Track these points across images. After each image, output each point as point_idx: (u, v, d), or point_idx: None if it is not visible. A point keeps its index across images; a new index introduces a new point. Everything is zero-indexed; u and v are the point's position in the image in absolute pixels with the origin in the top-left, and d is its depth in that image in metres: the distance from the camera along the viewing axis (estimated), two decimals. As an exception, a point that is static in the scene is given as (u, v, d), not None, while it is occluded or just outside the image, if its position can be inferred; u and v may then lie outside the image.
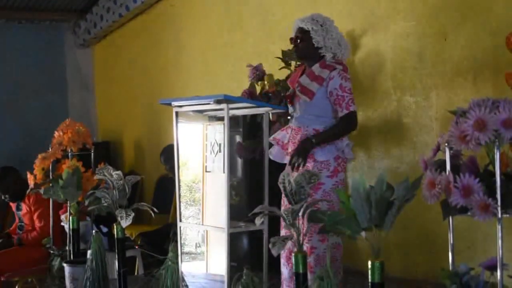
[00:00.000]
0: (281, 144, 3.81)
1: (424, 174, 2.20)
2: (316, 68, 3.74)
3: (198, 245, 4.01)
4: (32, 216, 5.68)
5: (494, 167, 2.05)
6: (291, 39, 3.84)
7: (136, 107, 8.06)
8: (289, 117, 3.88)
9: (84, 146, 4.74)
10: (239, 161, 4.87)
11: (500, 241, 2.05)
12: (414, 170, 3.49)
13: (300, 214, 2.79)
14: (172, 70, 7.25)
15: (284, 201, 3.68)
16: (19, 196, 5.74)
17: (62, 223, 5.06)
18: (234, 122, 4.62)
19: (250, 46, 5.91)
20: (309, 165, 3.66)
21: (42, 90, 8.80)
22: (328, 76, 3.69)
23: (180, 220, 3.74)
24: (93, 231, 4.38)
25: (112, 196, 3.89)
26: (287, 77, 4.75)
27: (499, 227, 2.04)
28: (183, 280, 3.71)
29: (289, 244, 3.03)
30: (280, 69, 4.93)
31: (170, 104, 3.76)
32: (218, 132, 3.72)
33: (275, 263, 3.77)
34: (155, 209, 3.95)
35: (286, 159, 3.77)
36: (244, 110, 3.80)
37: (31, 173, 4.67)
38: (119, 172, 3.93)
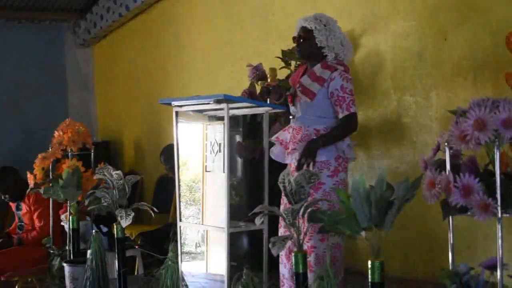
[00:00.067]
0: (284, 144, 3.81)
1: (424, 174, 2.20)
2: (317, 68, 3.73)
3: (198, 244, 4.01)
4: (32, 216, 5.68)
5: (494, 167, 2.05)
6: (293, 38, 3.83)
7: (136, 107, 8.06)
8: (290, 117, 3.88)
9: (84, 146, 4.74)
10: (239, 161, 4.87)
11: (500, 241, 2.05)
12: (414, 170, 3.49)
13: (300, 214, 2.79)
14: (172, 70, 7.25)
15: (284, 200, 3.69)
16: (19, 196, 5.74)
17: (62, 223, 5.06)
18: (234, 122, 4.62)
19: (250, 46, 5.91)
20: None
21: (42, 90, 8.79)
22: (329, 77, 3.69)
23: (180, 220, 3.74)
24: (93, 230, 4.38)
25: (112, 196, 3.89)
26: (287, 77, 4.75)
27: (499, 226, 2.04)
28: (183, 280, 3.71)
29: (289, 243, 3.03)
30: (280, 68, 4.93)
31: (170, 104, 3.76)
32: (218, 132, 3.71)
33: (275, 263, 3.77)
34: (155, 209, 3.96)
35: (288, 159, 3.77)
36: (244, 110, 3.80)
37: (31, 172, 4.67)
38: (119, 171, 3.93)
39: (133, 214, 3.82)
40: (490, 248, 3.09)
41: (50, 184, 4.60)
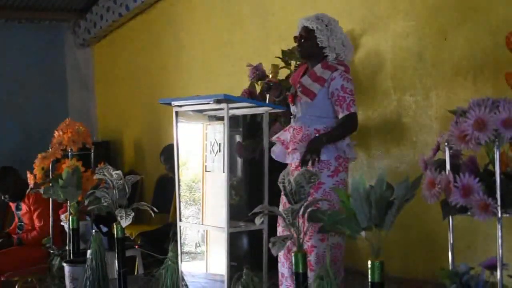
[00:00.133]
0: (285, 144, 3.81)
1: (424, 174, 2.20)
2: (318, 68, 3.73)
3: (198, 244, 4.01)
4: (31, 216, 5.69)
5: (494, 167, 2.05)
6: (295, 37, 3.83)
7: (136, 106, 8.06)
8: (292, 116, 3.87)
9: (84, 145, 4.74)
10: (239, 160, 4.86)
11: (500, 241, 2.05)
12: (414, 169, 3.49)
13: (300, 213, 2.79)
14: (172, 70, 7.25)
15: (283, 200, 3.69)
16: (19, 196, 5.74)
17: (62, 223, 5.06)
18: (234, 122, 4.62)
19: (250, 46, 5.91)
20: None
21: (42, 90, 8.79)
22: (330, 77, 3.69)
23: (180, 220, 3.74)
24: (93, 230, 4.38)
25: (112, 196, 3.89)
26: (287, 77, 4.75)
27: (499, 226, 2.04)
28: (183, 279, 3.71)
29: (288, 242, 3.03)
30: (280, 68, 4.93)
31: (170, 104, 3.76)
32: (218, 132, 3.71)
33: (275, 262, 3.77)
34: (155, 209, 3.96)
35: (288, 159, 3.77)
36: (244, 109, 3.80)
37: (31, 172, 4.67)
38: (119, 171, 3.93)
39: (133, 214, 3.82)
40: (490, 248, 3.09)
41: (50, 184, 4.60)
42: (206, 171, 3.86)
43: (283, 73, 4.93)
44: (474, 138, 2.03)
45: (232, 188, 4.60)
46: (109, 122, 8.83)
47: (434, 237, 4.18)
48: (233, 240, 3.62)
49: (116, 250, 3.94)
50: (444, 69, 4.20)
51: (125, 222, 3.79)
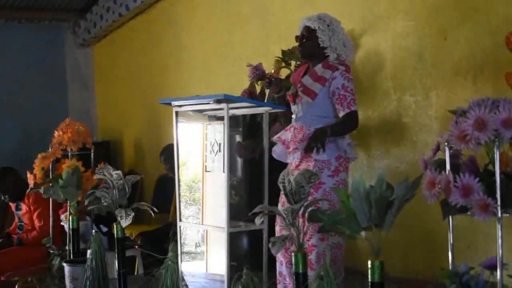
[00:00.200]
0: (286, 144, 3.81)
1: (424, 174, 2.20)
2: (318, 68, 3.74)
3: (198, 244, 4.01)
4: (31, 216, 5.69)
5: (494, 167, 2.05)
6: (296, 37, 3.83)
7: (136, 106, 8.06)
8: (293, 116, 3.87)
9: (84, 145, 4.74)
10: (239, 160, 4.86)
11: (500, 241, 2.05)
12: (414, 169, 3.49)
13: (300, 213, 2.79)
14: (172, 70, 7.25)
15: (282, 199, 3.69)
16: (19, 196, 5.74)
17: (62, 223, 5.06)
18: (234, 122, 4.62)
19: (250, 46, 5.91)
20: (310, 164, 3.66)
21: (42, 90, 8.79)
22: (331, 76, 3.70)
23: (180, 220, 3.74)
24: (93, 230, 4.38)
25: (112, 196, 3.89)
26: (287, 77, 4.75)
27: (499, 226, 2.04)
28: (183, 279, 3.71)
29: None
30: (281, 68, 4.93)
31: (170, 104, 3.76)
32: (218, 132, 3.71)
33: (275, 262, 3.77)
34: (155, 209, 3.96)
35: (289, 159, 3.78)
36: (244, 109, 3.80)
37: (31, 172, 4.67)
38: (119, 171, 3.93)
39: (133, 214, 3.82)
40: (490, 248, 3.09)
41: (50, 184, 4.60)
42: (206, 171, 3.86)
43: (283, 73, 4.92)
44: (474, 138, 2.03)
45: (232, 188, 4.59)
46: (109, 122, 8.83)
47: (434, 237, 4.18)
48: (233, 240, 3.62)
49: (116, 250, 3.94)
50: (444, 69, 4.20)
51: (125, 222, 3.79)
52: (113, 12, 7.80)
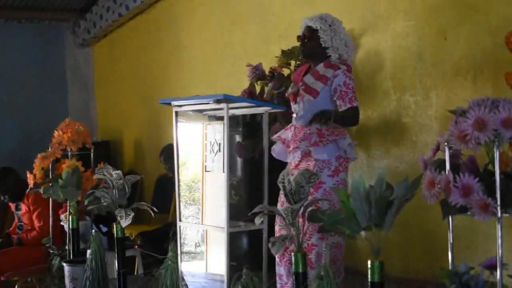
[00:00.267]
0: (286, 143, 3.81)
1: (424, 174, 2.20)
2: (320, 67, 3.75)
3: (197, 244, 4.01)
4: (31, 216, 5.69)
5: (493, 167, 2.05)
6: (298, 37, 3.84)
7: (136, 106, 8.06)
8: (294, 115, 3.87)
9: (83, 145, 4.74)
10: (239, 160, 4.86)
11: (499, 241, 2.05)
12: (414, 169, 3.49)
13: (300, 213, 2.79)
14: (172, 70, 7.25)
15: (281, 199, 3.69)
16: (19, 196, 5.74)
17: (61, 223, 5.06)
18: (234, 122, 4.62)
19: (250, 46, 5.91)
20: (310, 163, 3.66)
21: (42, 90, 8.79)
22: (333, 74, 3.71)
23: (180, 220, 3.74)
24: (93, 230, 4.38)
25: (111, 196, 3.89)
26: (287, 77, 4.75)
27: (498, 226, 2.04)
28: (183, 279, 3.71)
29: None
30: (285, 64, 4.92)
31: (169, 104, 3.76)
32: (217, 132, 3.71)
33: (274, 262, 3.77)
34: (154, 209, 3.96)
35: (289, 158, 3.78)
36: (244, 109, 3.80)
37: (31, 172, 4.67)
38: (118, 171, 3.93)
39: (132, 214, 3.82)
40: (490, 248, 3.09)
41: (50, 184, 4.60)
42: (206, 171, 3.86)
43: (285, 71, 4.91)
44: (474, 138, 2.03)
45: (232, 188, 4.59)
46: (109, 122, 8.83)
47: (434, 237, 4.18)
48: (232, 240, 3.62)
49: (116, 250, 3.94)
50: (444, 69, 4.20)
51: (125, 222, 3.79)
52: (113, 12, 7.80)
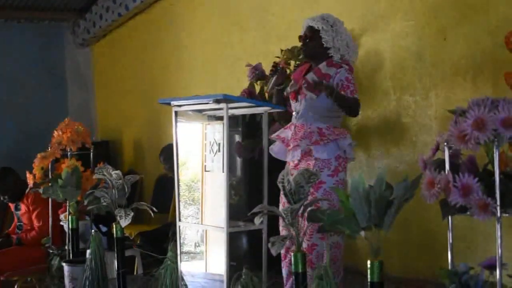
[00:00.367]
0: (286, 142, 3.81)
1: (423, 174, 2.20)
2: (323, 66, 3.76)
3: (197, 244, 4.01)
4: (30, 216, 5.68)
5: (493, 167, 2.05)
6: (300, 37, 3.84)
7: (136, 106, 8.05)
8: (294, 113, 3.86)
9: (83, 145, 4.74)
10: (239, 160, 4.86)
11: (499, 241, 2.05)
12: (414, 169, 3.50)
13: (300, 213, 2.79)
14: (172, 70, 7.25)
15: (282, 199, 3.69)
16: (18, 196, 5.73)
17: (61, 223, 5.06)
18: (234, 122, 4.62)
19: (249, 46, 5.91)
20: (310, 163, 3.66)
21: (42, 90, 8.78)
22: (335, 72, 3.72)
23: (179, 220, 3.74)
24: (92, 230, 4.38)
25: (111, 196, 3.89)
26: (288, 77, 4.74)
27: (498, 226, 2.04)
28: (182, 279, 3.71)
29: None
30: (289, 60, 4.91)
31: (169, 104, 3.76)
32: (217, 132, 3.71)
33: (274, 262, 3.77)
34: (154, 209, 3.95)
35: (289, 157, 3.78)
36: (243, 109, 3.80)
37: (30, 172, 4.67)
38: (118, 171, 3.93)
39: (132, 213, 3.82)
40: (490, 248, 3.09)
41: (49, 184, 4.59)
42: (205, 171, 3.86)
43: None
44: (474, 138, 2.03)
45: (232, 188, 4.59)
46: (108, 122, 8.82)
47: (434, 236, 4.18)
48: (232, 240, 3.62)
49: (115, 250, 3.94)
50: (444, 69, 4.20)
51: (124, 222, 3.79)
52: (112, 12, 7.80)
